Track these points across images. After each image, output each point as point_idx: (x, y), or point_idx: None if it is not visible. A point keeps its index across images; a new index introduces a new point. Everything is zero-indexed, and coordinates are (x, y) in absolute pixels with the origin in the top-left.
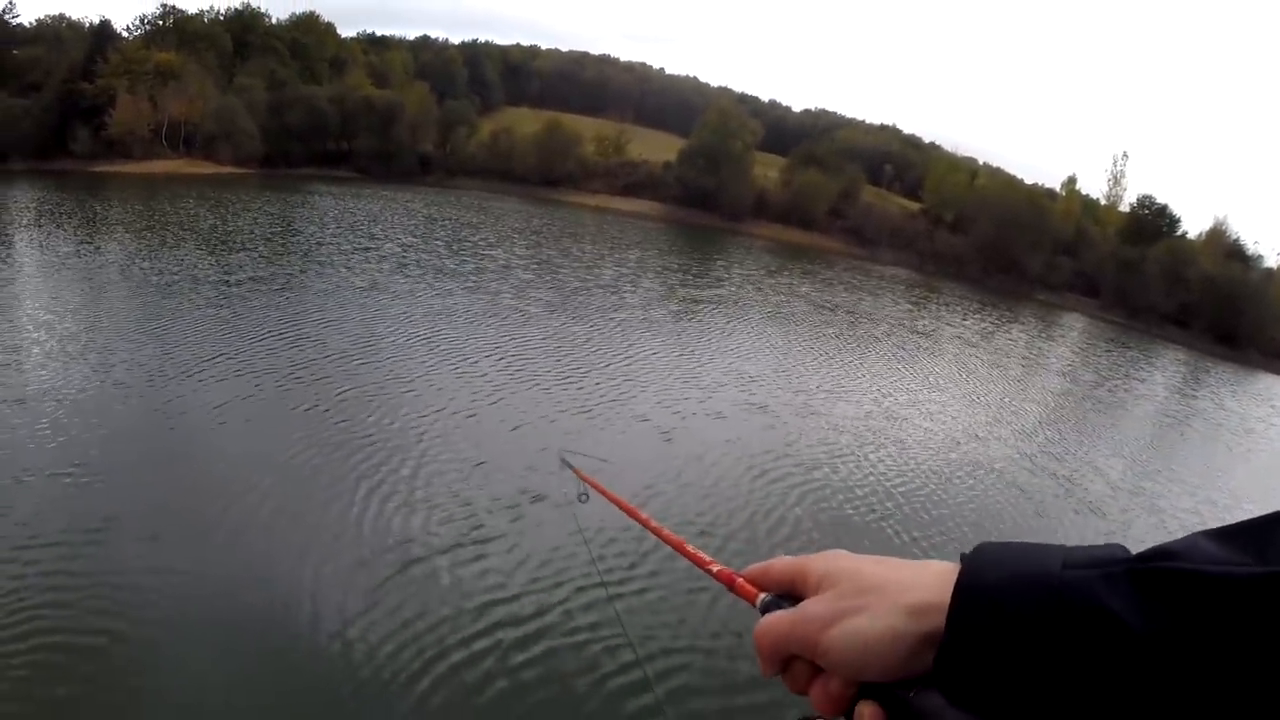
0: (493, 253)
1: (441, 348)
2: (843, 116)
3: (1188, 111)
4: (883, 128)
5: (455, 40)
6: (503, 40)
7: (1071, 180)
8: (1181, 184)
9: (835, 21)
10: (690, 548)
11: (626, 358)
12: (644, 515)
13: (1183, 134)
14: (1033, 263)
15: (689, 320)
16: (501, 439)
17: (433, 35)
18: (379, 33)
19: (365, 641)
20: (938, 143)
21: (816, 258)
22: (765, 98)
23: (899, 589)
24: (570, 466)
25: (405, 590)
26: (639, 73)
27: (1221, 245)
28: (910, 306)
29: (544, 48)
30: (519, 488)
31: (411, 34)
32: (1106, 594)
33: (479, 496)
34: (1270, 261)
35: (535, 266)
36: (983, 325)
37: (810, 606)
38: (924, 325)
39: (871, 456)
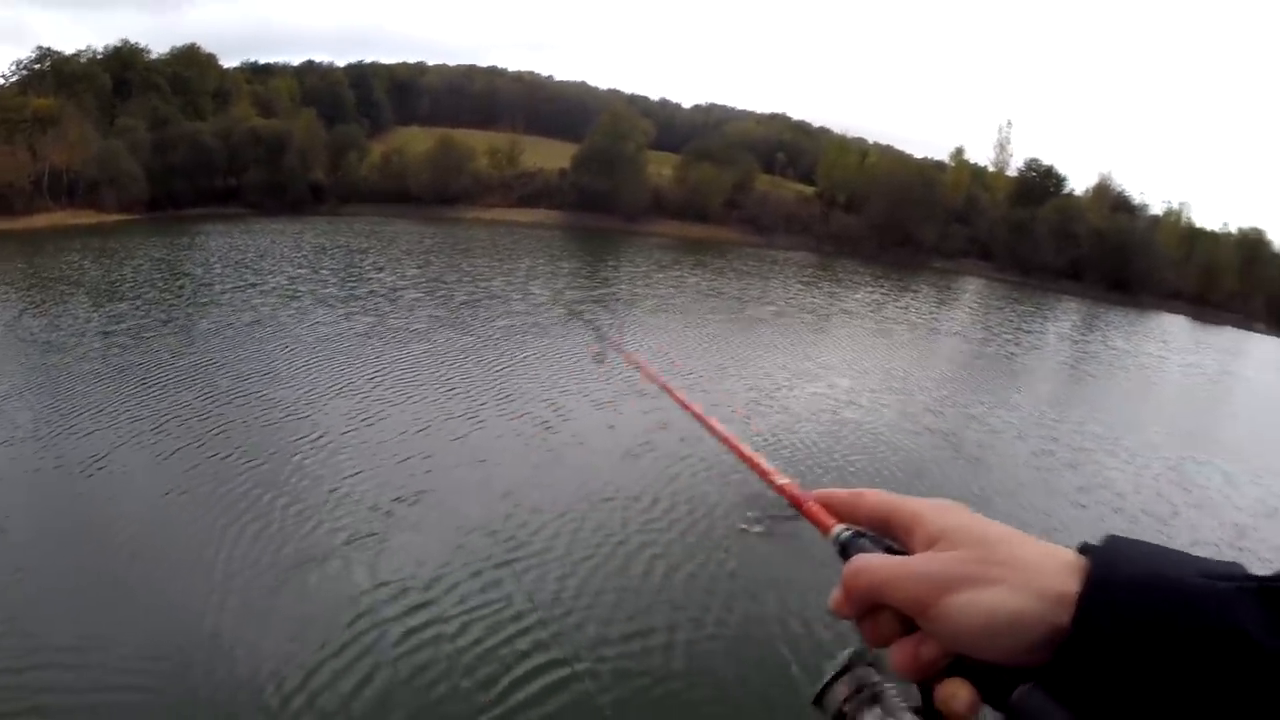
0: (381, 276)
1: (327, 374)
2: (733, 109)
3: (1069, 75)
4: (773, 117)
5: (341, 63)
6: (389, 59)
7: (959, 151)
8: (1067, 145)
9: (720, 16)
10: (747, 449)
11: (509, 362)
12: (687, 399)
13: (1065, 97)
14: (927, 234)
15: (573, 321)
16: (382, 453)
17: (317, 59)
18: (262, 61)
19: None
20: (828, 127)
21: (713, 249)
22: (655, 97)
23: (1032, 569)
24: (594, 327)
25: (302, 598)
26: (528, 81)
27: (1108, 199)
28: (802, 287)
29: (431, 63)
30: (397, 494)
31: (296, 59)
32: (1242, 609)
33: (358, 508)
34: (1155, 209)
35: (424, 285)
36: (876, 298)
37: (930, 564)
38: (815, 303)
39: (760, 426)
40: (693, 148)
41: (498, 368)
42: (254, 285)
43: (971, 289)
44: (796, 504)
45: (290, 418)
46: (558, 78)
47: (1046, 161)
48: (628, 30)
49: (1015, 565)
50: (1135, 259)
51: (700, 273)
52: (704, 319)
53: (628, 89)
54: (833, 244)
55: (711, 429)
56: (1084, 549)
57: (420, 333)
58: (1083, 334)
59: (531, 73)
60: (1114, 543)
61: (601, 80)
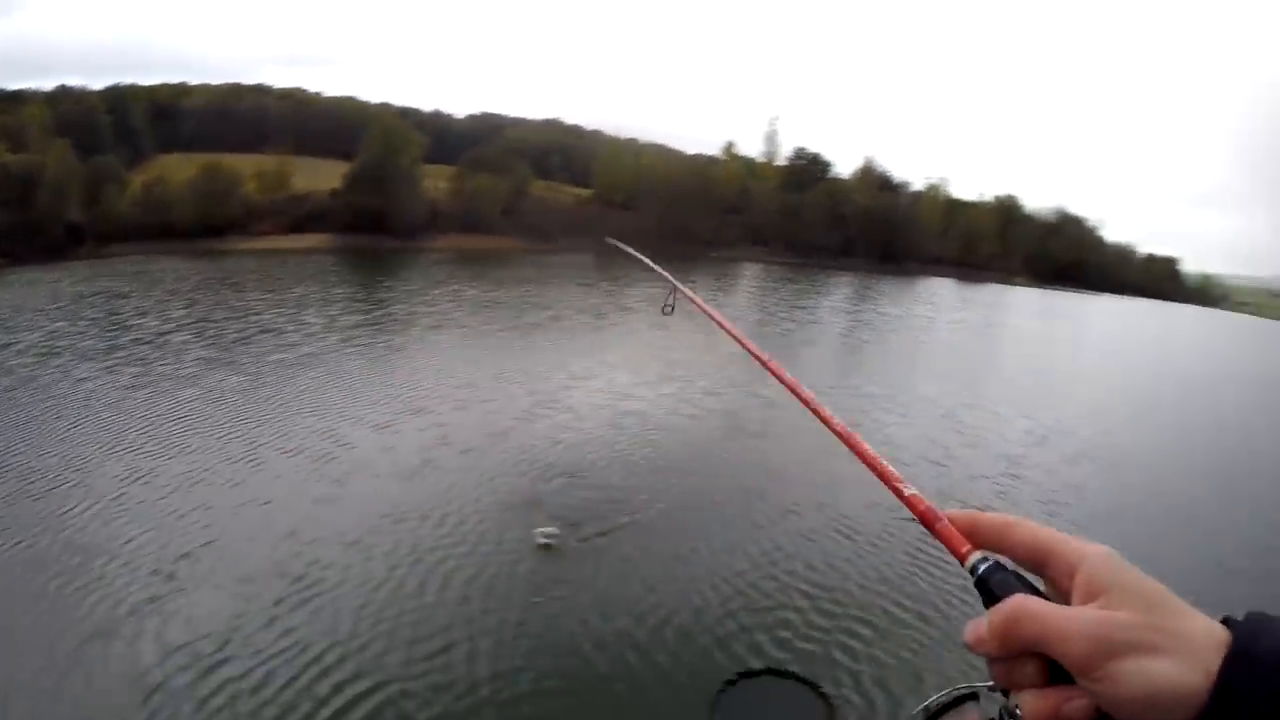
0: (146, 321)
1: (93, 434)
2: (507, 117)
3: (832, 67)
4: (547, 122)
5: (97, 86)
6: (149, 80)
7: (730, 146)
8: (832, 132)
9: (491, 23)
10: (871, 450)
11: (284, 397)
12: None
13: (830, 87)
14: (703, 226)
15: (349, 346)
16: (159, 511)
17: (71, 84)
18: (10, 88)
19: None
20: (601, 129)
21: (493, 260)
22: (428, 109)
23: (1198, 643)
24: (671, 281)
25: (88, 687)
26: (297, 99)
27: (873, 180)
28: (580, 288)
29: (194, 84)
30: (179, 552)
31: (48, 85)
32: None
33: (138, 574)
34: (917, 185)
35: (192, 326)
36: (654, 292)
37: (1104, 625)
38: (594, 304)
39: (537, 430)
40: (468, 158)
41: (273, 404)
42: (7, 346)
43: (749, 274)
44: (927, 523)
45: (56, 488)
46: (327, 93)
47: (813, 149)
48: (398, 41)
49: (1183, 637)
50: (901, 232)
51: (479, 284)
52: (482, 330)
53: (400, 102)
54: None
55: (820, 417)
56: (1226, 621)
57: (190, 377)
58: (855, 305)
59: (300, 89)
60: (1257, 617)
61: (373, 94)
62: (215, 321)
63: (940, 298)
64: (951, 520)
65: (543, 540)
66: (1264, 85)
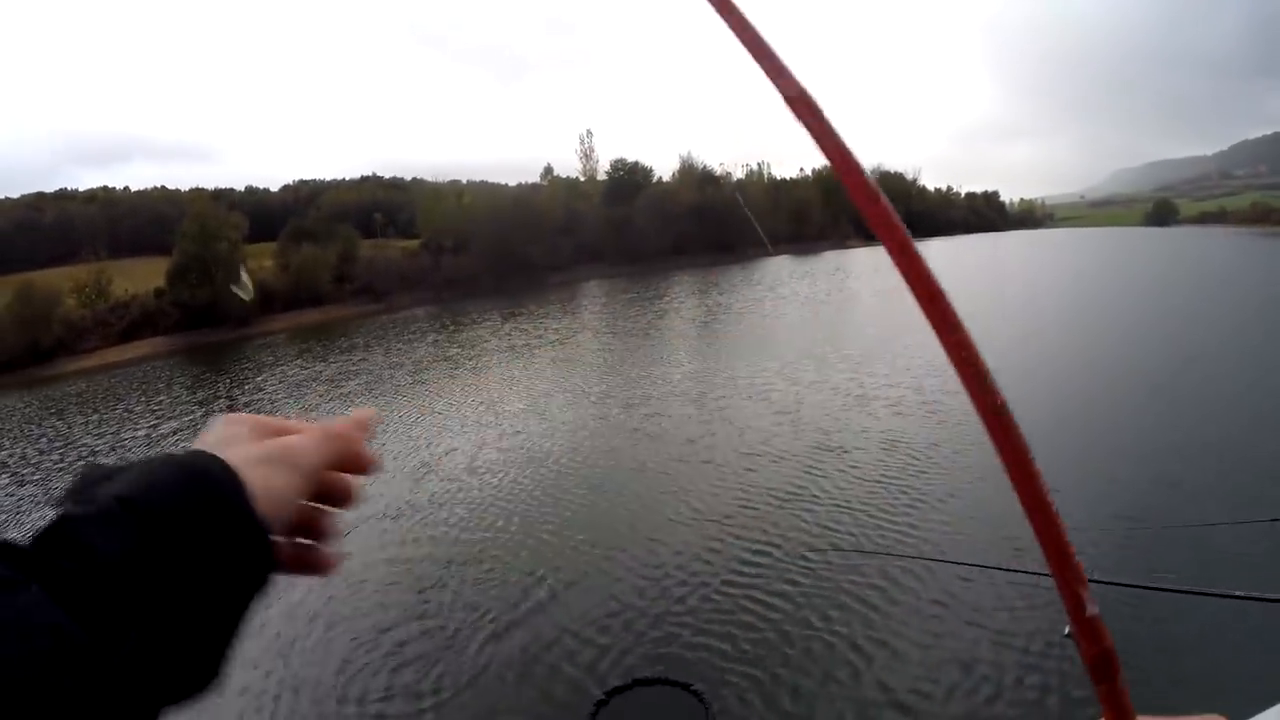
0: None
1: None
2: (323, 181)
3: (634, 76)
4: (364, 179)
5: None
6: None
7: (549, 169)
8: (648, 138)
9: (293, 87)
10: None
11: None
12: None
13: (636, 97)
14: (536, 254)
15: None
16: None
17: None
18: None
19: None
20: (421, 177)
21: (334, 330)
22: (241, 186)
23: None
24: None
25: None
26: (104, 199)
27: (694, 177)
28: (419, 340)
29: None
30: None
31: None
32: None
33: None
34: (737, 175)
35: (8, 468)
36: (507, 328)
37: None
38: (445, 354)
39: (424, 493)
40: (289, 230)
41: None
42: None
43: (592, 293)
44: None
45: None
46: (134, 187)
47: (631, 159)
48: (201, 122)
49: None
50: (730, 219)
51: (319, 361)
52: (330, 409)
53: (211, 184)
54: (450, 290)
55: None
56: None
57: (8, 524)
58: (701, 297)
59: (106, 188)
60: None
61: (182, 181)
62: (30, 460)
63: (782, 273)
64: None
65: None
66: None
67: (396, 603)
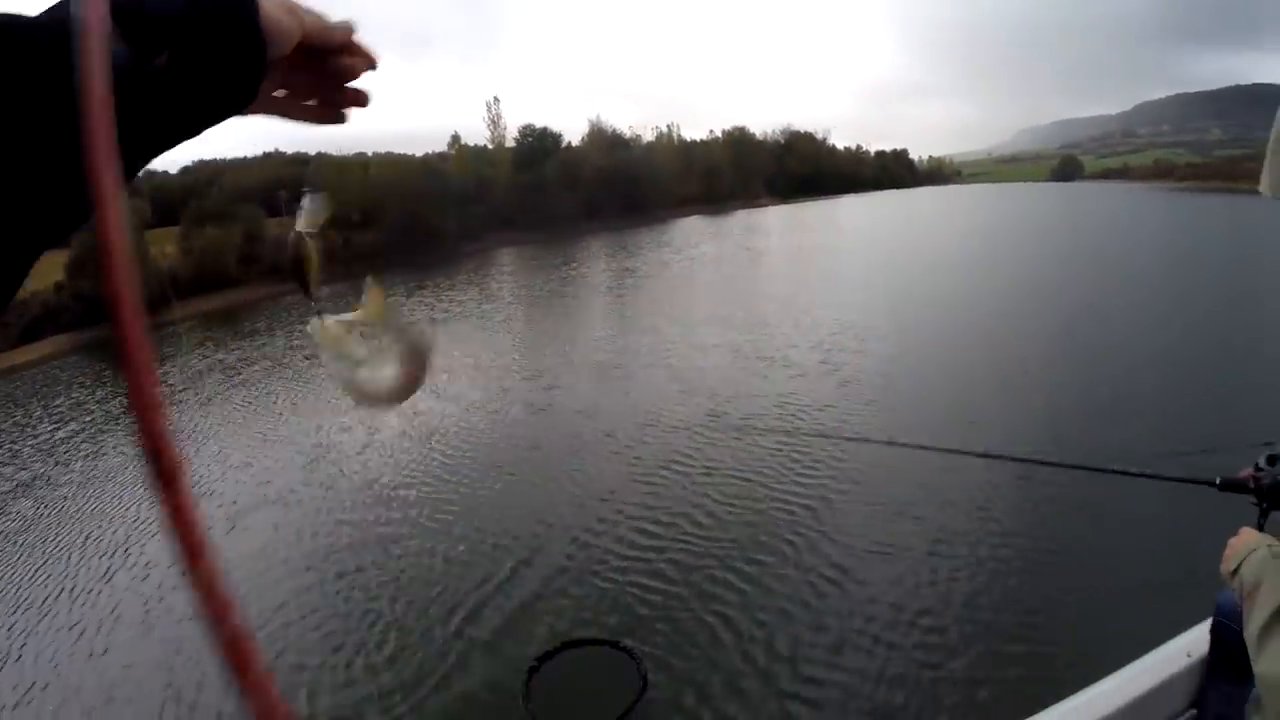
0: None
1: None
2: (223, 160)
3: (539, 37)
4: (266, 156)
5: None
6: None
7: (456, 138)
8: (555, 102)
9: None
10: None
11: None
12: None
13: (542, 59)
14: (445, 224)
15: (60, 466)
16: None
17: None
18: None
19: None
20: (325, 151)
21: (243, 315)
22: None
23: None
24: None
25: None
26: None
27: (603, 140)
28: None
29: None
30: None
31: None
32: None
33: None
34: (648, 137)
35: None
36: (422, 302)
37: None
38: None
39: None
40: (189, 214)
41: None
42: None
43: (500, 262)
44: None
45: None
46: None
47: (540, 124)
48: None
49: None
50: (641, 182)
51: (220, 350)
52: (229, 396)
53: None
54: (360, 265)
55: None
56: None
57: None
58: (613, 260)
59: None
60: None
61: None
62: None
63: (694, 233)
64: None
65: None
66: None
67: (293, 589)
